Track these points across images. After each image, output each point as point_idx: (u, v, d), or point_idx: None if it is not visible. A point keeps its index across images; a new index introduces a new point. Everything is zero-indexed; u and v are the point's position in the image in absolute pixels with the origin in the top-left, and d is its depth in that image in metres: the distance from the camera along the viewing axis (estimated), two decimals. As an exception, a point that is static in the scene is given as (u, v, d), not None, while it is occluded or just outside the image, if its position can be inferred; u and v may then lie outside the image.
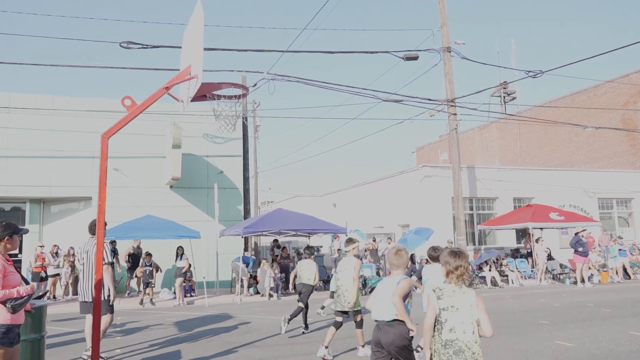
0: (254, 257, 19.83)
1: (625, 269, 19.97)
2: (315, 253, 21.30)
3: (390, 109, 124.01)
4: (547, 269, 19.51)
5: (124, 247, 17.40)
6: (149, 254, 15.71)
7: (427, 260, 6.51)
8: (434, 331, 3.71)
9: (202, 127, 20.23)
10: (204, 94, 7.44)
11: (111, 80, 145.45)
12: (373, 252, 19.58)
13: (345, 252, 7.41)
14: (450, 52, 19.35)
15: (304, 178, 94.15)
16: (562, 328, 9.14)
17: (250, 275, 17.62)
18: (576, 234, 18.14)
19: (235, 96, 7.74)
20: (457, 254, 3.81)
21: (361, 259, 15.74)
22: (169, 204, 19.60)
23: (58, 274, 16.86)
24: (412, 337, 4.56)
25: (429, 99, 18.63)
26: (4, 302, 4.37)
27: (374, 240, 20.57)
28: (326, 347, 7.12)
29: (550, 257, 20.07)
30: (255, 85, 17.97)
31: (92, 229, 7.48)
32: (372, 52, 16.60)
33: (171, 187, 19.98)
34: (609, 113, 28.86)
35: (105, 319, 7.17)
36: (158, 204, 19.13)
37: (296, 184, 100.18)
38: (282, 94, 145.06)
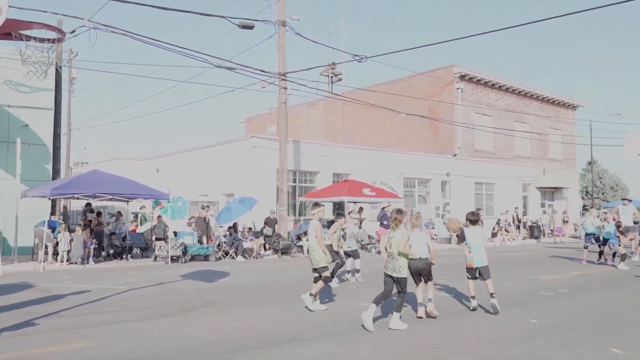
0: (61, 222, 18.09)
1: (420, 241, 22.73)
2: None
3: (223, 76, 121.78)
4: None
5: None
6: None
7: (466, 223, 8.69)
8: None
9: (4, 72, 17.62)
10: (8, 32, 6.49)
11: None
12: (199, 220, 19.23)
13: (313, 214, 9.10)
14: (285, 26, 19.65)
15: (125, 140, 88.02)
16: (366, 292, 10.11)
17: (56, 241, 16.07)
18: (383, 208, 20.11)
19: (48, 39, 6.90)
20: (399, 211, 7.39)
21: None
22: (-44, 158, 16.81)
23: None
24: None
25: (262, 71, 18.78)
26: None
27: (204, 208, 20.18)
28: (311, 295, 8.34)
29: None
30: (73, 32, 16.11)
31: None
32: (207, 15, 16.08)
33: (-40, 137, 17.13)
34: (418, 102, 32.21)
35: None
36: (-59, 157, 16.27)
37: (116, 146, 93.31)
38: (105, 47, 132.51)
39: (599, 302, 9.15)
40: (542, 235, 29.50)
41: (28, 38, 6.49)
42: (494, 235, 27.10)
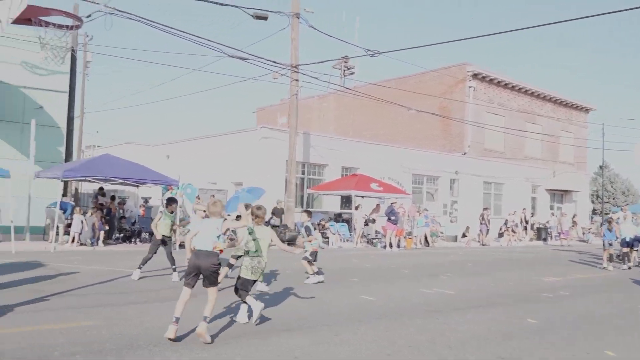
0: (73, 203, 18.41)
1: (426, 237, 22.88)
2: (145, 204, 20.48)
3: (235, 66, 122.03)
4: (363, 233, 21.47)
5: None
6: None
7: None
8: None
9: (21, 54, 17.87)
10: (28, 18, 6.66)
11: None
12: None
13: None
14: (299, 18, 19.72)
15: (137, 125, 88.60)
16: (368, 285, 10.30)
17: (68, 222, 16.37)
18: (391, 204, 20.23)
19: (66, 26, 7.07)
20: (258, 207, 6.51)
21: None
22: (-29, 136, 17.13)
23: None
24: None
25: (275, 62, 18.90)
26: None
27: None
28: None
29: (366, 224, 22.09)
30: (89, 16, 16.31)
31: None
32: (222, 4, 16.19)
33: (-24, 117, 17.45)
34: (430, 99, 32.14)
35: None
36: (-43, 135, 16.60)
37: (128, 130, 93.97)
38: (119, 32, 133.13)
39: (599, 304, 9.24)
40: (549, 238, 29.47)
41: (47, 24, 6.67)
42: (500, 235, 27.12)
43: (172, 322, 5.43)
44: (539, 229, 30.02)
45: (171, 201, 10.22)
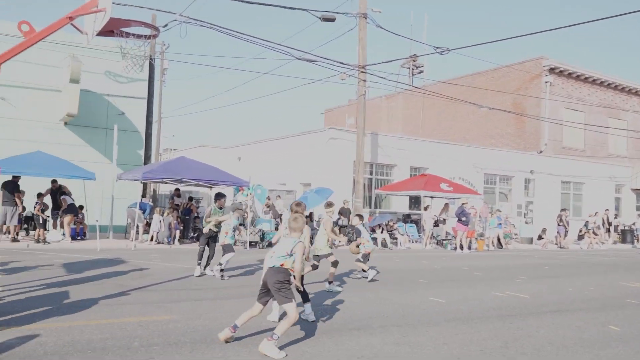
0: (151, 204, 19.39)
1: (499, 239, 22.10)
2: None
3: (303, 68, 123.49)
4: (432, 234, 21.08)
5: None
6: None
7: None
8: None
9: (104, 64, 19.07)
10: (111, 30, 7.09)
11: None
12: (272, 207, 19.90)
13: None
14: (366, 18, 19.69)
15: (210, 129, 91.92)
16: (437, 287, 10.10)
17: (147, 222, 17.27)
18: (462, 204, 19.72)
19: (144, 36, 7.46)
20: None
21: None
22: (62, 142, 18.49)
23: None
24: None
25: (342, 63, 19.00)
26: None
27: (274, 198, 20.81)
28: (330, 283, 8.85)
29: (436, 224, 21.66)
30: (166, 25, 17.17)
31: None
32: (290, 8, 16.51)
33: (66, 123, 18.79)
34: (503, 96, 31.06)
35: None
36: (49, 141, 17.98)
37: (201, 134, 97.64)
38: (193, 39, 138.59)
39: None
40: (636, 241, 27.56)
41: (127, 35, 7.07)
42: (580, 237, 25.73)
43: (230, 326, 5.36)
44: (623, 232, 28.15)
45: (219, 196, 10.32)
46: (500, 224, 22.16)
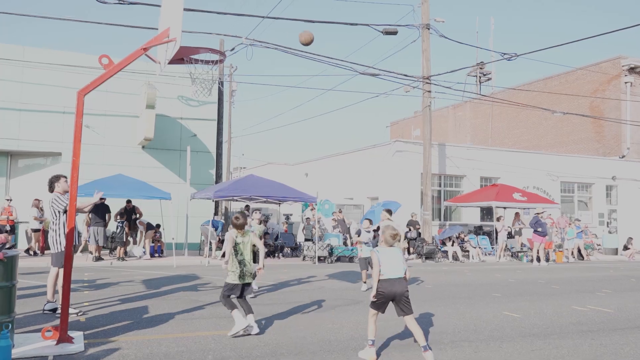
0: (223, 221, 20.04)
1: (579, 250, 20.93)
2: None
3: (367, 82, 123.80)
4: (506, 246, 20.31)
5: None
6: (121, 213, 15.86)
7: None
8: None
9: (177, 89, 20.09)
10: (181, 57, 7.50)
11: (84, 35, 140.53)
12: (341, 222, 19.99)
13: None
14: (429, 29, 19.52)
15: (277, 146, 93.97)
16: (512, 301, 9.72)
17: (219, 239, 17.85)
18: (536, 214, 18.89)
19: (212, 61, 7.82)
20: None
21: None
22: (140, 164, 19.56)
23: (40, 229, 16.54)
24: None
25: (405, 75, 18.90)
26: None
27: (340, 212, 20.88)
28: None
29: (510, 236, 20.86)
30: (233, 49, 17.83)
31: (51, 185, 7.53)
32: (352, 24, 16.66)
33: (143, 147, 19.89)
34: (578, 99, 29.62)
35: (54, 271, 7.31)
36: (129, 164, 19.07)
37: (269, 151, 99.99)
38: (259, 60, 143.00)
39: None
40: None
41: (196, 61, 7.44)
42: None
43: (369, 344, 5.49)
44: None
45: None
46: (579, 233, 21.01)
